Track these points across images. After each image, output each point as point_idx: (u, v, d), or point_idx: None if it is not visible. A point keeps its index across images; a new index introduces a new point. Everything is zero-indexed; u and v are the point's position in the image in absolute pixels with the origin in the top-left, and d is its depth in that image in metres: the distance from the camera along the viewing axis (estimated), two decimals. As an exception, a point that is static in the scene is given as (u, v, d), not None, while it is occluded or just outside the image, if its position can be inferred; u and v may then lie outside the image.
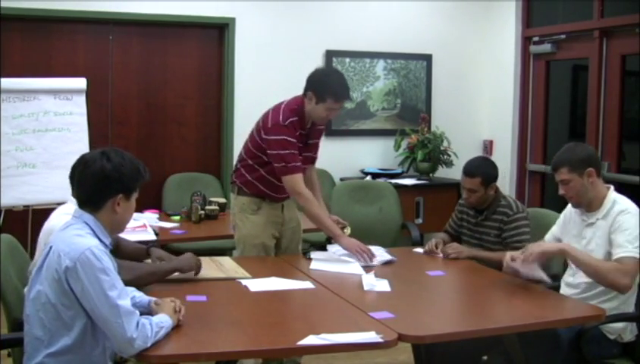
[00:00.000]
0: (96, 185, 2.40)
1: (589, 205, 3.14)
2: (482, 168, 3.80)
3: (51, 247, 2.35)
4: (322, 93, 3.61)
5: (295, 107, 3.70)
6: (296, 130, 3.65)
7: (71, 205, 2.92)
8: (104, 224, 2.42)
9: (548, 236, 3.43)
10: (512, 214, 3.73)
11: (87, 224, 2.39)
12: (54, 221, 2.96)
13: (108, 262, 2.32)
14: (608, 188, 3.17)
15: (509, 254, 3.16)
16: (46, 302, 2.30)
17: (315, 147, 3.92)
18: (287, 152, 3.60)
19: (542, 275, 3.04)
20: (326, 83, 3.65)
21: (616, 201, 3.11)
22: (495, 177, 3.80)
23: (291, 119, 3.65)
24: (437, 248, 3.78)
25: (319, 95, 3.62)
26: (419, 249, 3.90)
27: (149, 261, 3.26)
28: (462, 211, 3.96)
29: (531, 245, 3.12)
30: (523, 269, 3.06)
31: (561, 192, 3.18)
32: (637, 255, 2.95)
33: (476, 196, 3.78)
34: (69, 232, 2.36)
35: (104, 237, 2.41)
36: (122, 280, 2.37)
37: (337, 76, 3.73)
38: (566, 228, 3.31)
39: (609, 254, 3.05)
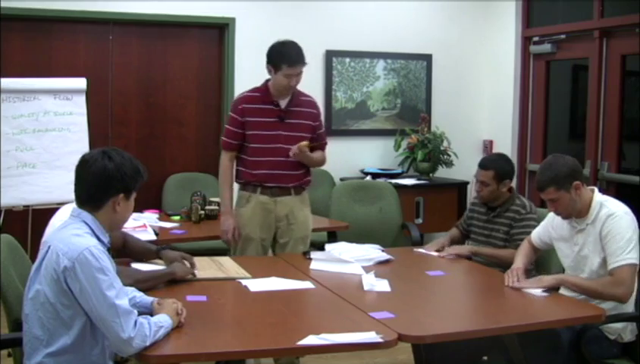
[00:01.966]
0: (98, 184, 2.40)
1: (578, 214, 3.15)
2: (497, 162, 3.86)
3: (49, 246, 2.34)
4: (277, 62, 3.78)
5: (259, 86, 3.93)
6: (246, 102, 3.85)
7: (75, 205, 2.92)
8: (103, 223, 2.42)
9: (534, 237, 3.43)
10: (524, 213, 3.75)
11: (86, 222, 2.39)
12: (58, 223, 2.94)
13: (107, 261, 2.31)
14: (592, 191, 3.16)
15: (510, 276, 3.18)
16: (45, 302, 2.30)
17: (301, 128, 3.90)
18: (225, 126, 3.94)
19: (543, 294, 3.04)
20: (278, 51, 3.82)
21: (603, 204, 3.10)
22: (509, 173, 3.84)
23: (244, 94, 3.91)
24: (441, 249, 3.82)
25: (275, 64, 3.78)
26: (421, 249, 3.90)
27: (157, 261, 3.25)
28: (472, 210, 3.99)
29: (530, 280, 3.13)
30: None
31: (551, 210, 3.19)
32: (631, 262, 2.95)
33: (488, 189, 3.80)
34: (67, 231, 2.36)
35: (102, 236, 2.41)
36: None
37: (289, 44, 3.87)
38: (555, 231, 3.31)
39: (605, 260, 3.06)
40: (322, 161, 4.07)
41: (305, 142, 3.83)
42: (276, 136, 3.85)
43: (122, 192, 2.42)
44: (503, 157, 4.01)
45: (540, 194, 3.16)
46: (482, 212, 3.91)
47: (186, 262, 3.17)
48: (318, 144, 3.98)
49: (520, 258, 3.36)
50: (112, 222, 2.46)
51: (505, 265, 3.56)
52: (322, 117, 4.08)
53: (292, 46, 3.83)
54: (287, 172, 3.87)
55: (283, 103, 3.88)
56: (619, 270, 2.94)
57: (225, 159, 3.93)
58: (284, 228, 3.92)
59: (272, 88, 3.86)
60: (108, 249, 2.44)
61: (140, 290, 2.71)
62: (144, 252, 3.30)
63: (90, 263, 2.25)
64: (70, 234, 2.33)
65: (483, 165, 3.86)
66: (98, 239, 2.38)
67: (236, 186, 4.02)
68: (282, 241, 3.94)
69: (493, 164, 3.84)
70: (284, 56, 3.77)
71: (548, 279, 3.10)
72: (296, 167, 3.90)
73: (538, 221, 3.75)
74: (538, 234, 3.43)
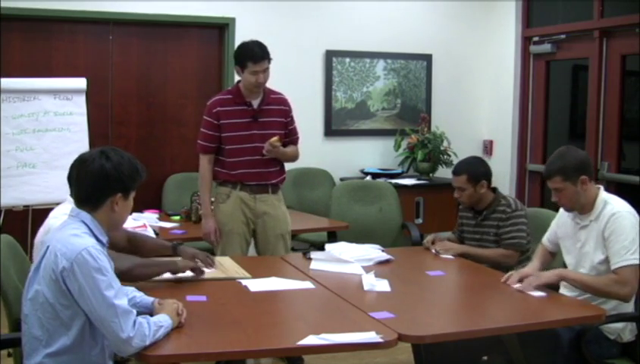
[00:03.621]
0: (96, 184, 2.39)
1: (582, 209, 3.15)
2: (468, 166, 3.84)
3: (48, 247, 2.34)
4: (242, 61, 3.88)
5: (230, 88, 4.08)
6: (220, 105, 3.96)
7: (69, 205, 2.91)
8: (101, 223, 2.41)
9: (544, 240, 3.43)
10: (510, 211, 3.74)
11: (84, 222, 2.38)
12: (52, 222, 2.94)
13: (105, 261, 2.31)
14: (598, 188, 3.17)
15: (507, 275, 3.17)
16: (44, 302, 2.29)
17: (274, 126, 4.00)
18: (201, 129, 4.02)
19: (541, 294, 3.03)
20: (242, 51, 3.93)
21: (607, 201, 3.11)
22: (483, 174, 3.81)
23: (217, 98, 4.02)
24: (433, 244, 3.80)
25: (241, 64, 3.89)
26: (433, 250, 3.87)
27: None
28: (461, 216, 3.99)
29: (530, 278, 3.07)
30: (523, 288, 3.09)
31: (554, 199, 3.19)
32: (634, 262, 2.94)
33: (465, 194, 3.80)
34: (65, 232, 2.35)
35: (101, 236, 2.40)
36: (115, 270, 2.37)
37: (252, 42, 3.96)
38: (560, 229, 3.32)
39: (607, 259, 3.05)
40: (296, 156, 4.18)
41: (275, 138, 3.92)
42: (251, 136, 3.95)
43: (120, 191, 2.42)
44: (475, 159, 3.99)
45: (547, 182, 3.17)
46: (470, 217, 3.91)
47: (200, 261, 3.16)
48: (289, 139, 4.10)
49: (536, 259, 3.39)
50: (111, 222, 2.45)
51: (494, 266, 3.57)
52: (293, 113, 4.15)
53: (255, 44, 3.93)
54: (264, 170, 3.99)
55: (255, 103, 3.98)
56: (624, 270, 2.94)
57: (204, 162, 4.00)
58: (263, 224, 4.01)
59: (243, 88, 3.97)
60: (122, 248, 2.44)
61: (136, 278, 2.72)
62: (158, 249, 3.26)
63: (88, 263, 2.25)
64: (69, 234, 2.33)
65: (454, 171, 3.87)
66: (97, 239, 2.37)
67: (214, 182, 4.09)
68: (262, 237, 4.03)
69: (464, 167, 3.83)
70: (248, 54, 3.87)
71: (548, 275, 3.08)
72: (272, 165, 4.02)
73: (527, 217, 3.76)
74: (547, 237, 3.42)
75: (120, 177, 2.40)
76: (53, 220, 2.92)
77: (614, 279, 2.96)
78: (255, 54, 3.86)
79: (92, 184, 2.39)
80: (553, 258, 3.46)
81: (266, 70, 3.90)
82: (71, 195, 2.46)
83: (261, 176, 3.98)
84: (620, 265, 2.95)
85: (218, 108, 3.95)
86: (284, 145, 4.05)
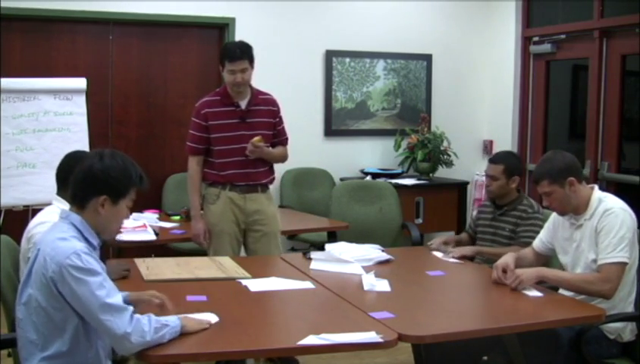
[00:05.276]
0: (82, 182, 2.38)
1: (576, 210, 3.14)
2: (507, 158, 3.95)
3: (38, 250, 2.32)
4: (221, 60, 3.93)
5: (218, 90, 4.07)
6: (208, 107, 3.96)
7: (55, 206, 2.92)
8: (90, 225, 2.39)
9: (536, 243, 3.42)
10: (531, 212, 3.79)
11: (74, 225, 2.36)
12: (36, 225, 2.92)
13: (94, 263, 2.28)
14: (592, 188, 3.16)
15: (495, 272, 3.16)
16: (37, 306, 2.28)
17: (262, 126, 3.99)
18: (189, 131, 4.02)
19: (539, 294, 3.03)
20: (222, 49, 4.00)
21: (602, 199, 3.10)
22: (518, 169, 3.90)
23: (205, 99, 4.01)
24: (445, 245, 3.82)
25: (221, 63, 3.93)
26: (437, 253, 3.84)
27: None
28: (481, 211, 4.04)
29: (513, 283, 3.04)
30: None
31: (545, 203, 3.20)
32: (620, 260, 2.94)
33: (497, 184, 3.86)
34: (54, 235, 2.33)
35: (91, 238, 2.38)
36: None
37: (233, 42, 4.05)
38: (556, 233, 3.31)
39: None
40: (283, 157, 4.17)
41: (257, 138, 3.91)
42: (239, 137, 3.94)
43: (105, 194, 2.37)
44: (512, 153, 4.15)
45: (537, 188, 3.18)
46: (489, 211, 3.95)
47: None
48: (278, 140, 4.09)
49: (512, 257, 3.28)
50: (98, 225, 2.41)
51: None
52: (282, 113, 4.15)
53: (235, 44, 3.97)
54: (252, 170, 3.98)
55: (243, 103, 3.98)
56: (608, 267, 2.95)
57: (193, 164, 4.00)
58: (254, 223, 4.01)
59: (229, 89, 3.96)
60: (101, 249, 2.42)
61: None
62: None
63: (77, 266, 2.23)
64: (56, 238, 2.31)
65: (492, 160, 3.95)
66: (88, 241, 2.35)
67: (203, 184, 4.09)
68: (253, 236, 4.02)
69: (502, 159, 3.92)
70: (226, 53, 3.90)
71: (528, 277, 3.03)
72: (261, 165, 4.01)
73: (545, 222, 3.76)
74: (540, 239, 3.40)
75: (106, 179, 2.37)
76: (37, 222, 2.92)
77: (597, 276, 2.96)
78: (232, 53, 3.86)
79: (78, 182, 2.39)
80: (545, 261, 3.44)
81: (245, 71, 3.87)
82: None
83: (250, 176, 3.97)
84: (605, 262, 2.95)
85: (206, 110, 3.95)
86: (273, 145, 4.05)
